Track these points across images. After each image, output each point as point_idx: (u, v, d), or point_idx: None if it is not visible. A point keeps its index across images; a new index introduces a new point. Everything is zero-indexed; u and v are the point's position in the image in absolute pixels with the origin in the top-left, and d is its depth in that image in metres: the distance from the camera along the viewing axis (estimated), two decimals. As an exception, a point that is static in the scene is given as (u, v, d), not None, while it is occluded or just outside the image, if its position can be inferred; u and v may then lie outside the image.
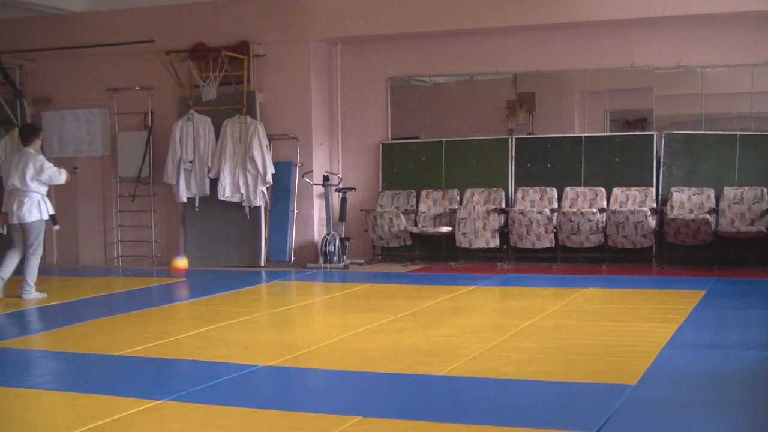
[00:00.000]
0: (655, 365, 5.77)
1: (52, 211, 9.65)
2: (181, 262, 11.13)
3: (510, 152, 11.92)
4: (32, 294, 9.44)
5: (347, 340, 6.90)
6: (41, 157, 9.62)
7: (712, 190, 11.00)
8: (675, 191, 11.10)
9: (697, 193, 11.04)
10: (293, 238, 12.23)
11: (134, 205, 12.91)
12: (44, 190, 9.57)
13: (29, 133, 9.77)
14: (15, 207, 9.40)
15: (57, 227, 9.98)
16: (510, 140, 11.94)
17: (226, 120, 12.12)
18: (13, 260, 9.60)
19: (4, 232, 12.83)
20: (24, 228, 9.47)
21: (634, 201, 11.21)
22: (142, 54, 12.41)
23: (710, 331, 7.11)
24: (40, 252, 9.57)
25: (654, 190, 11.23)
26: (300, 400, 5.31)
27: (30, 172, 9.38)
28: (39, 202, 9.46)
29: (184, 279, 10.92)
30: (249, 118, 12.03)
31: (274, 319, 8.35)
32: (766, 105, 11.16)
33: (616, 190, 11.34)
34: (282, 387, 5.69)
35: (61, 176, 9.61)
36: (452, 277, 10.70)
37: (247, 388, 5.54)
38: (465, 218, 11.53)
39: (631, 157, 11.42)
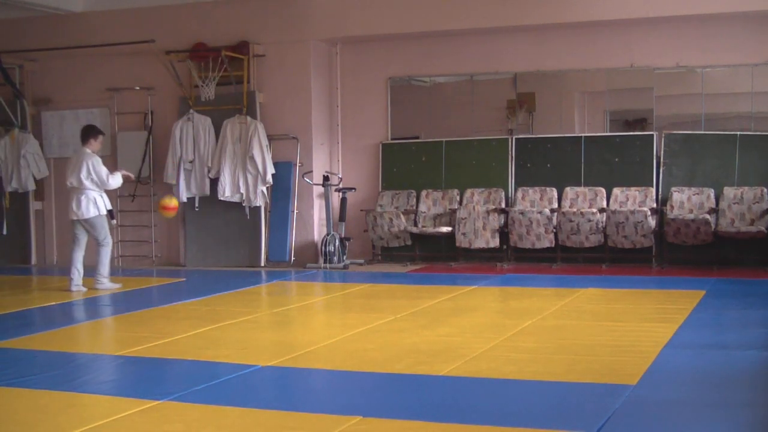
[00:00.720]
0: (655, 365, 5.77)
1: (109, 206, 10.13)
2: (171, 201, 11.10)
3: (510, 152, 11.92)
4: (105, 284, 10.01)
5: (347, 340, 6.90)
6: (97, 158, 10.01)
7: (712, 190, 11.00)
8: (675, 191, 11.10)
9: (697, 193, 11.04)
10: (293, 238, 12.23)
11: (134, 205, 12.90)
12: (100, 188, 10.00)
13: (86, 134, 10.15)
14: (74, 205, 9.93)
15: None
16: (510, 140, 11.94)
17: (226, 120, 12.12)
18: (76, 254, 10.07)
19: (5, 232, 12.88)
20: (87, 224, 9.96)
21: (634, 201, 11.21)
22: (142, 54, 12.41)
23: (710, 331, 7.11)
24: (109, 242, 10.08)
25: (654, 190, 11.23)
26: (300, 400, 5.31)
27: (84, 172, 9.83)
28: (95, 199, 9.93)
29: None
30: (249, 118, 12.02)
31: (274, 319, 8.34)
32: (766, 105, 11.16)
33: (616, 190, 11.34)
34: (282, 387, 5.69)
35: (110, 181, 9.96)
36: (452, 277, 10.69)
37: (246, 388, 5.53)
38: (465, 218, 11.53)
39: (631, 157, 11.42)
